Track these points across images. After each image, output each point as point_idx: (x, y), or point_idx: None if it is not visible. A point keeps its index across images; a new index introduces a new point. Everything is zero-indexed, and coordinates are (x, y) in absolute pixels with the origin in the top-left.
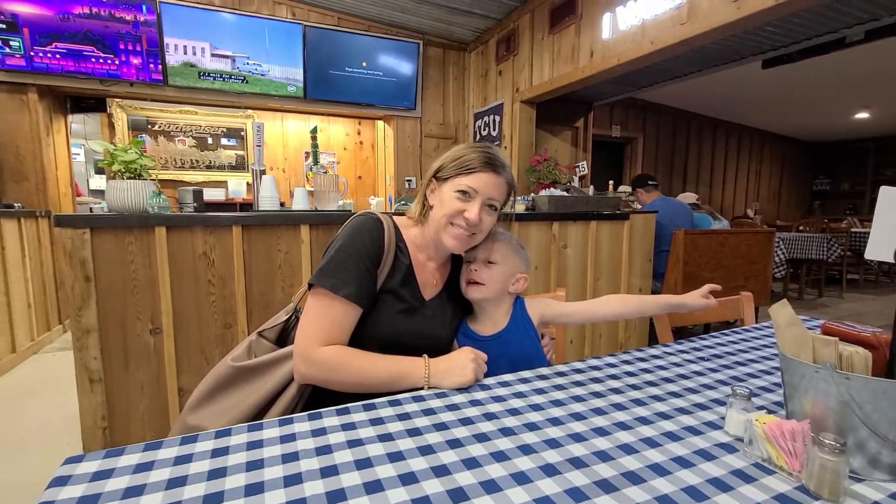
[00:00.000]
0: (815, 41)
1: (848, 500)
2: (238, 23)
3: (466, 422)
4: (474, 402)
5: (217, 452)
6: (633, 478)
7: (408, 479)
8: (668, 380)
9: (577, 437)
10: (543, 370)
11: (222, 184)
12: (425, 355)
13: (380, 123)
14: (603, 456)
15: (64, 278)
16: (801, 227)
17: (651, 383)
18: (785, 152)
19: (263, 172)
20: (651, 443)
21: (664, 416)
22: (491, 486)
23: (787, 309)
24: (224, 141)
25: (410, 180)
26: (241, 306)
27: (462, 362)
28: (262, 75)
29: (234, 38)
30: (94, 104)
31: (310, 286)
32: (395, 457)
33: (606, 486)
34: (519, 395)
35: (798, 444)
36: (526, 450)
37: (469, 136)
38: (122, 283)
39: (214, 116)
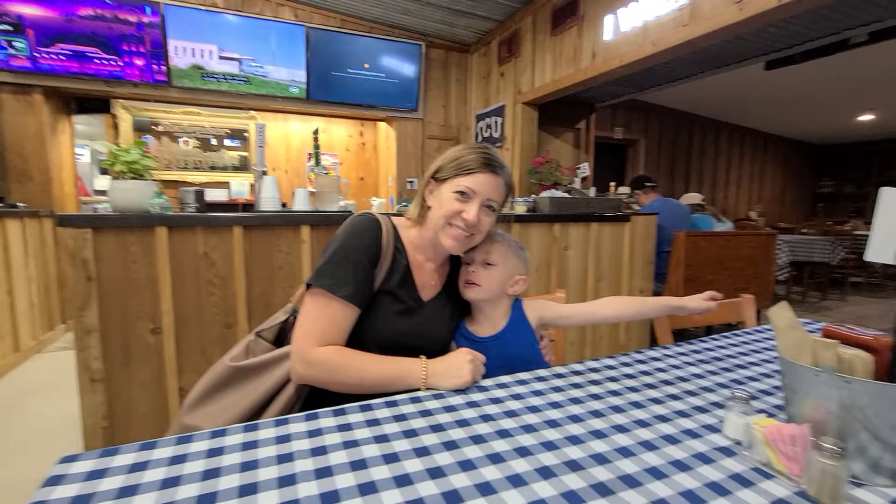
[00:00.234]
0: (818, 43)
1: None
2: (244, 25)
3: (463, 423)
4: (471, 404)
5: (212, 453)
6: (630, 481)
7: (403, 480)
8: (666, 382)
9: (574, 440)
10: (541, 372)
11: (225, 185)
12: (423, 356)
13: (382, 125)
14: (600, 459)
15: (66, 278)
16: (804, 230)
17: (650, 386)
18: (788, 154)
19: (265, 173)
20: (649, 446)
21: (662, 418)
22: (486, 489)
23: (787, 311)
24: (227, 142)
25: (412, 181)
26: (242, 306)
27: (459, 363)
28: (265, 77)
29: (241, 41)
30: (98, 105)
31: (307, 286)
32: (391, 458)
33: (603, 490)
34: (516, 396)
35: (798, 449)
36: (522, 452)
37: (471, 137)
38: (123, 283)
39: (218, 118)
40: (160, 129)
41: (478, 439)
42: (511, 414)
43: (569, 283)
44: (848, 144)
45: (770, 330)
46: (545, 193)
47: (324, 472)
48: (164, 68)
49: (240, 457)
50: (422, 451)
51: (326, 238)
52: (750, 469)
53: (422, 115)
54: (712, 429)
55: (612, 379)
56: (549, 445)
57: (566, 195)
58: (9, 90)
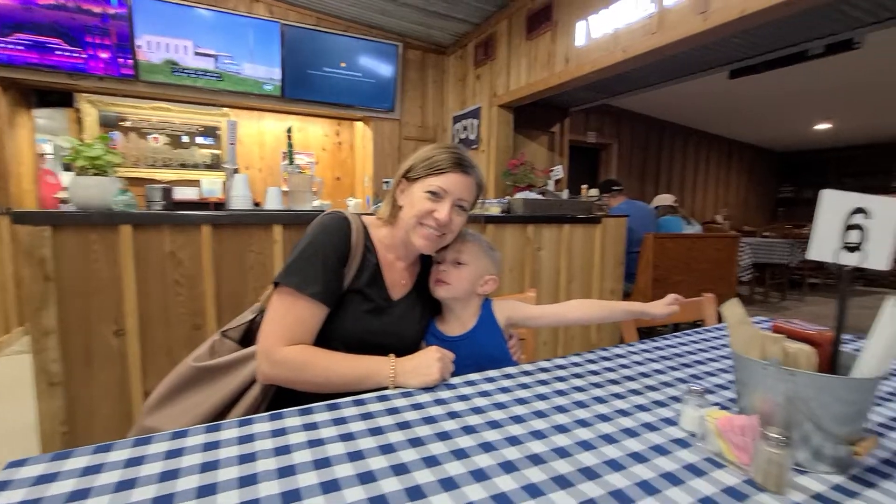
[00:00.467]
0: (779, 53)
1: (791, 492)
2: (219, 21)
3: (429, 420)
4: (439, 402)
5: (171, 454)
6: (590, 473)
7: (366, 477)
8: (629, 378)
9: (538, 435)
10: (510, 369)
11: (196, 183)
12: (392, 354)
13: (358, 124)
14: (562, 452)
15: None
16: (766, 233)
17: (613, 381)
18: (752, 161)
19: (236, 171)
20: (609, 439)
21: (623, 413)
22: (448, 484)
23: (738, 308)
24: (199, 139)
25: (389, 182)
26: (211, 307)
27: (428, 361)
28: (240, 73)
29: (217, 37)
30: (60, 99)
31: (275, 285)
32: (355, 456)
33: (563, 482)
34: (484, 393)
35: (747, 439)
36: (486, 447)
37: (448, 139)
38: (84, 283)
39: (189, 114)
40: (128, 124)
41: (443, 436)
42: (477, 411)
43: (542, 283)
44: (807, 152)
45: None
46: (519, 195)
47: (286, 472)
48: (130, 62)
49: (200, 458)
50: (387, 449)
51: (299, 238)
52: (703, 459)
53: (398, 115)
54: (670, 422)
55: (578, 376)
56: (513, 440)
57: (540, 197)
58: None
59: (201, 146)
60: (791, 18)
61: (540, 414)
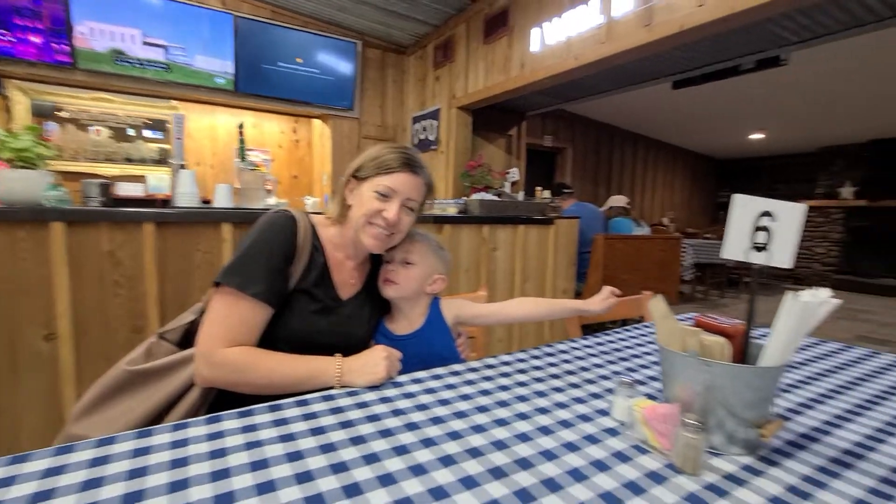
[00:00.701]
0: (715, 67)
1: (706, 473)
2: (169, 10)
3: (373, 419)
4: (384, 400)
5: (96, 462)
6: (524, 463)
7: (303, 477)
8: (570, 372)
9: (479, 429)
10: (457, 367)
11: (142, 179)
12: (339, 354)
13: (316, 122)
14: (499, 445)
15: None
16: (707, 235)
17: (554, 376)
18: (694, 167)
19: (183, 167)
20: (546, 431)
21: (561, 405)
22: (387, 480)
23: (662, 304)
24: (147, 133)
25: None
26: (154, 308)
27: (375, 360)
28: (190, 65)
29: (167, 26)
30: None
31: (216, 284)
32: (294, 456)
33: (498, 473)
34: (430, 391)
35: (669, 426)
36: (427, 443)
37: (407, 139)
38: (9, 283)
39: (134, 106)
40: (65, 115)
41: (386, 433)
42: (422, 408)
43: (497, 283)
44: (744, 159)
45: None
46: (476, 196)
47: (221, 475)
48: (67, 48)
49: (128, 465)
50: (327, 448)
51: None
52: (630, 446)
53: (358, 114)
54: (604, 412)
55: (522, 371)
56: (454, 435)
57: (495, 198)
58: None
59: (148, 140)
60: (725, 35)
61: (482, 409)
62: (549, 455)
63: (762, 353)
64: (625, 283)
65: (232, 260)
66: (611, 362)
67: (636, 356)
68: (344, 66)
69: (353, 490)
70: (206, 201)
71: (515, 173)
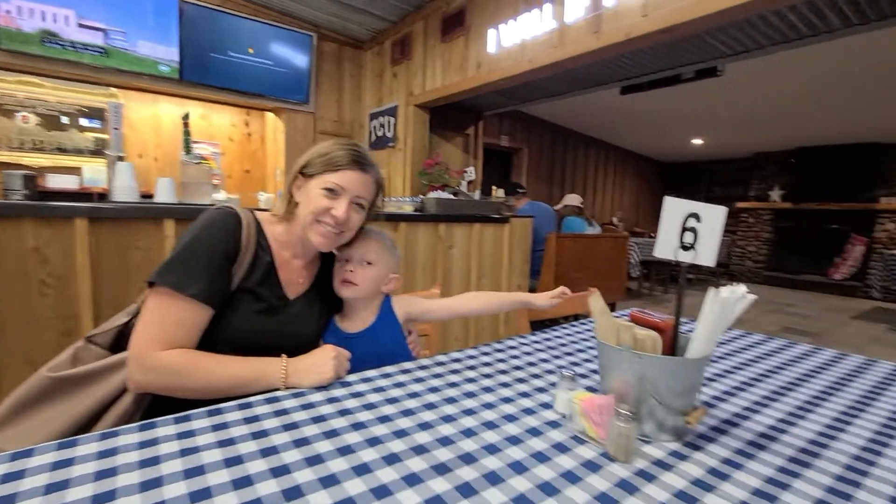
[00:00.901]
0: (659, 75)
1: (637, 459)
2: None
3: (318, 420)
4: (331, 400)
5: (8, 478)
6: (468, 458)
7: (241, 482)
8: (517, 367)
9: (425, 426)
10: (407, 365)
11: (77, 171)
12: (284, 355)
13: (270, 115)
14: (445, 441)
15: None
16: (652, 234)
17: (502, 371)
18: (642, 169)
19: (120, 159)
20: (491, 425)
21: (507, 400)
22: (329, 481)
23: (600, 300)
24: (84, 121)
25: None
26: (87, 310)
27: (322, 360)
28: (131, 51)
29: (106, 9)
30: None
31: (150, 284)
32: (232, 462)
33: (441, 469)
34: (379, 389)
35: (605, 417)
36: (373, 442)
37: (364, 135)
38: None
39: (68, 92)
40: None
41: (330, 434)
42: (370, 407)
43: (453, 280)
44: (686, 163)
45: None
46: (432, 194)
47: (151, 484)
48: None
49: (47, 478)
50: (269, 451)
51: None
52: (570, 437)
53: (313, 108)
54: (548, 406)
55: (472, 368)
56: (401, 433)
57: (452, 197)
58: None
59: (84, 129)
60: (667, 45)
61: (430, 406)
62: (492, 449)
63: (689, 346)
64: (576, 280)
65: (168, 258)
66: (556, 357)
67: (581, 350)
68: (299, 59)
69: (293, 493)
70: (147, 196)
71: (472, 172)
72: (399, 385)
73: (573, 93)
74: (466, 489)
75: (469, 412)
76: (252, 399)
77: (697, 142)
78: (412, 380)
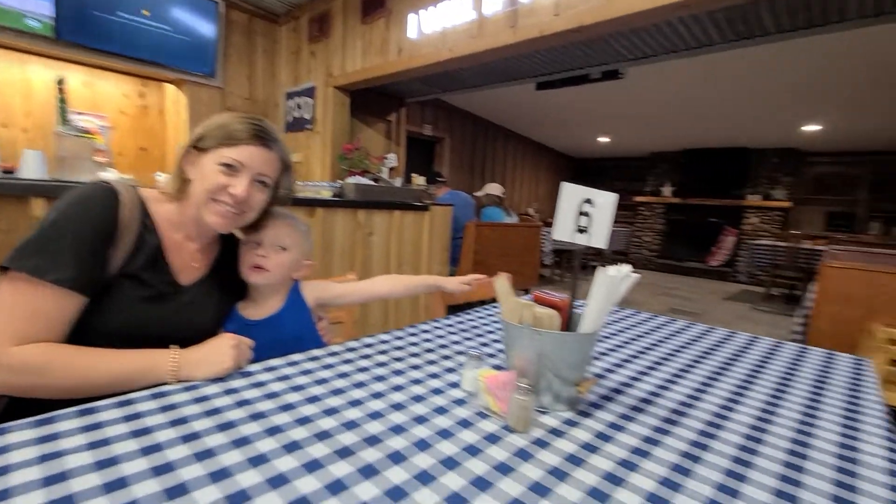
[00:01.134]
0: (570, 73)
1: (535, 429)
2: None
3: (212, 413)
4: (229, 392)
5: None
6: (373, 440)
7: (114, 485)
8: (429, 350)
9: (331, 412)
10: (316, 352)
11: None
12: (175, 346)
13: (170, 87)
14: (350, 425)
15: None
16: None
17: (414, 355)
18: (556, 163)
19: None
20: (398, 406)
21: (417, 381)
22: (220, 475)
23: (506, 283)
24: None
25: None
26: None
27: (219, 349)
28: None
29: None
30: None
31: (3, 269)
32: (105, 464)
33: (344, 452)
34: (283, 378)
35: (507, 392)
36: (272, 431)
37: (280, 115)
38: None
39: None
40: None
41: (225, 426)
42: (272, 396)
43: (372, 267)
44: (594, 159)
45: None
46: (351, 180)
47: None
48: None
49: None
50: (151, 450)
51: None
52: (474, 414)
53: (221, 83)
54: (455, 385)
55: (383, 352)
56: (304, 421)
57: (372, 183)
58: None
59: None
60: (577, 45)
61: (337, 392)
62: (397, 429)
63: (580, 322)
64: (494, 267)
65: (26, 239)
66: (468, 339)
67: (490, 332)
68: (203, 27)
69: (176, 491)
70: (9, 171)
71: (394, 159)
72: (306, 373)
73: (492, 85)
74: (369, 470)
75: (377, 395)
76: (133, 395)
77: (604, 140)
78: (321, 367)
